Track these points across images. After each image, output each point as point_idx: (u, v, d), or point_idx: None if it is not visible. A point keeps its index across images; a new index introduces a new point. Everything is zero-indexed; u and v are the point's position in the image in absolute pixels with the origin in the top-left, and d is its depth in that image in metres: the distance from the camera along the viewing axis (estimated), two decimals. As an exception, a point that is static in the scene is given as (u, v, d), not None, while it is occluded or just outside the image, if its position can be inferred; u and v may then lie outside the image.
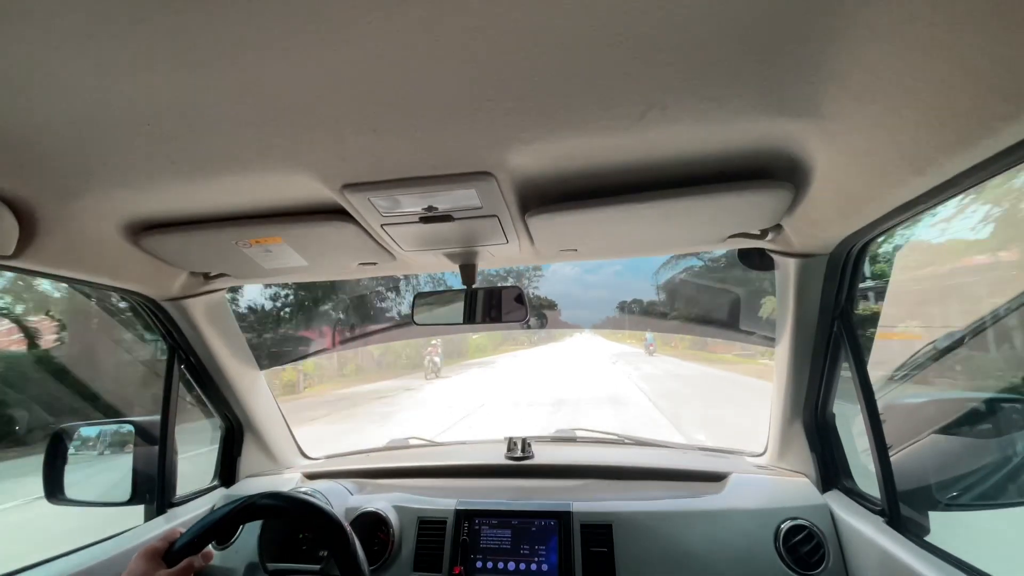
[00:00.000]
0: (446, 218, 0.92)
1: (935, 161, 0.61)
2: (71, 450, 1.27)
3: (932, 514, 0.95)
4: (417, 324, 1.24)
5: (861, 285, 1.05)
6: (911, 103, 0.55)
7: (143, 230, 0.98)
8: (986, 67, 0.46)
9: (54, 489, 1.20)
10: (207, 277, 1.25)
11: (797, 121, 0.67)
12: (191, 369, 1.42)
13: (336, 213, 0.92)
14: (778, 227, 0.99)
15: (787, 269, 1.09)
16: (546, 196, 0.89)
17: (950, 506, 0.97)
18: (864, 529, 1.01)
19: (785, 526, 1.13)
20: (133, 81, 0.55)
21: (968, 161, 0.58)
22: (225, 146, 0.70)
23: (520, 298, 1.17)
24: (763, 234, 1.03)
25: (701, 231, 1.03)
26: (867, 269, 1.04)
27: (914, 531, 0.93)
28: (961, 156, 0.58)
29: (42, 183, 0.77)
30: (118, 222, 0.95)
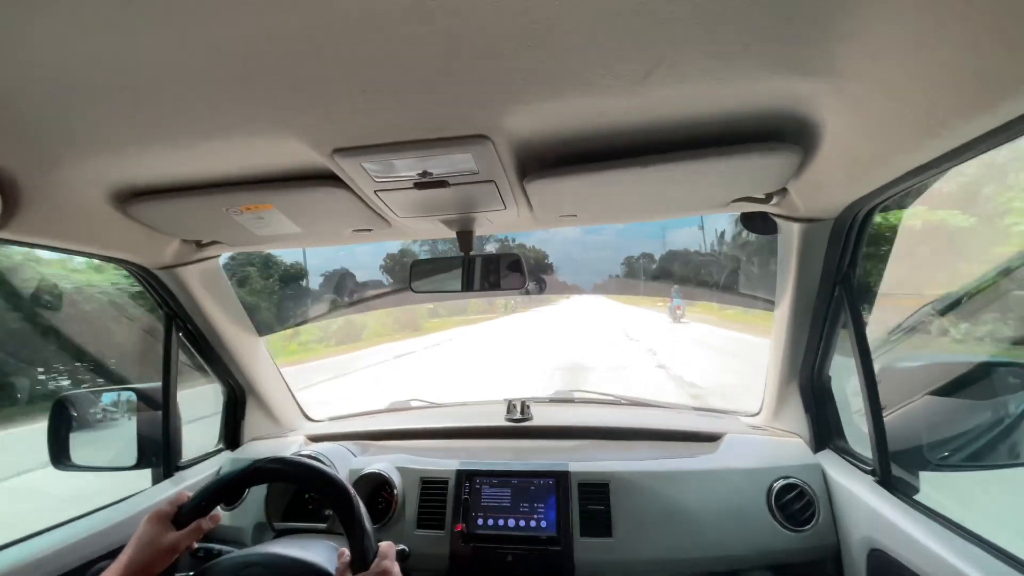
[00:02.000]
0: (441, 184, 0.89)
1: (951, 124, 0.58)
2: (75, 416, 1.28)
3: (922, 474, 0.97)
4: (415, 292, 1.23)
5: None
6: (930, 63, 0.52)
7: (131, 197, 0.95)
8: (1010, 26, 0.43)
9: (60, 455, 1.22)
10: (199, 245, 1.23)
11: (809, 79, 0.63)
12: (189, 336, 1.42)
13: (328, 179, 0.89)
14: (783, 191, 0.96)
15: (790, 233, 1.07)
16: (545, 160, 0.86)
17: (940, 466, 0.99)
18: (854, 488, 1.04)
19: (777, 485, 1.16)
20: (108, 41, 0.52)
21: (985, 125, 0.56)
22: (208, 109, 0.66)
23: (518, 264, 1.16)
24: (768, 198, 1.01)
25: (705, 195, 1.00)
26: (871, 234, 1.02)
27: (903, 490, 0.96)
28: (979, 119, 0.55)
29: (21, 151, 0.74)
30: (104, 190, 0.92)
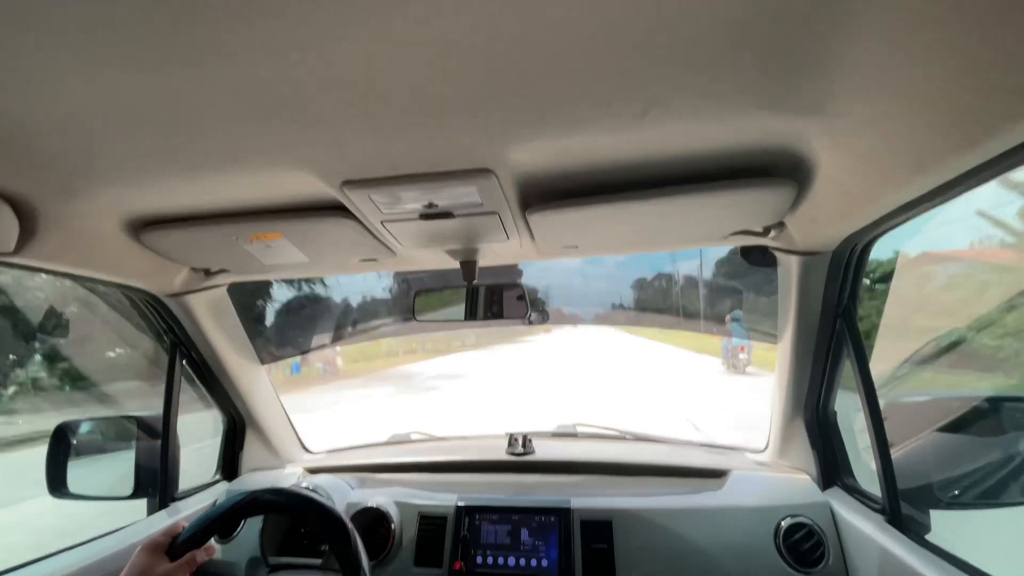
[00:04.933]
0: (446, 215, 0.91)
1: (940, 160, 0.60)
2: (74, 443, 1.27)
3: (933, 513, 0.94)
4: (418, 321, 1.24)
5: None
6: (917, 101, 0.54)
7: (144, 226, 0.98)
8: (994, 64, 0.45)
9: (57, 483, 1.20)
10: (208, 273, 1.26)
11: (801, 118, 0.66)
12: (193, 364, 1.43)
13: (336, 209, 0.92)
14: (781, 224, 0.98)
15: (789, 266, 1.08)
16: (547, 193, 0.89)
17: (951, 505, 0.97)
18: (864, 527, 1.01)
19: (785, 523, 1.13)
20: (129, 78, 0.55)
21: (974, 160, 0.58)
22: (223, 143, 0.69)
23: (521, 295, 1.17)
24: (765, 231, 1.03)
25: (703, 228, 1.02)
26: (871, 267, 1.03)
27: (915, 530, 0.93)
28: (967, 155, 0.57)
29: (41, 180, 0.77)
30: (119, 218, 0.95)
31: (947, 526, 0.93)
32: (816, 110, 0.63)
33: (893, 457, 0.96)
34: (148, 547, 0.80)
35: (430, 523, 1.28)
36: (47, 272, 0.97)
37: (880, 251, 1.01)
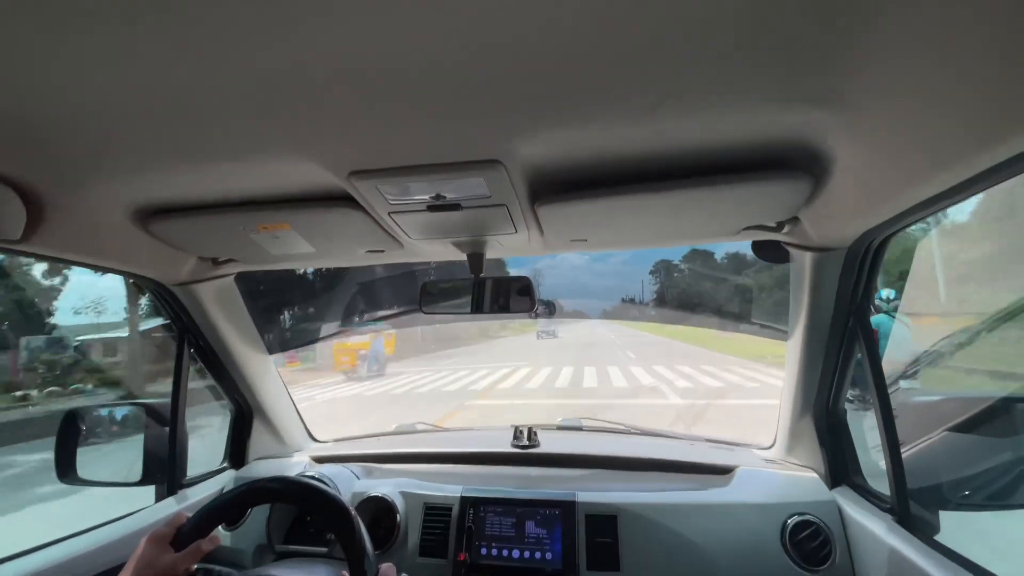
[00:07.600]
0: (454, 207, 0.90)
1: (961, 157, 0.58)
2: (83, 430, 1.29)
3: (943, 513, 0.93)
4: (425, 312, 1.24)
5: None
6: (940, 97, 0.53)
7: (151, 215, 0.97)
8: (1019, 59, 0.44)
9: (66, 468, 1.22)
10: (215, 262, 1.26)
11: (819, 112, 0.64)
12: (200, 353, 1.43)
13: (344, 200, 0.91)
14: (795, 219, 0.96)
15: (803, 262, 1.06)
16: (556, 186, 0.88)
17: (961, 505, 0.96)
18: (872, 526, 1.00)
19: (792, 521, 1.12)
20: (137, 67, 0.54)
21: (996, 158, 0.56)
22: (231, 133, 0.69)
23: (527, 288, 1.17)
24: (779, 226, 1.01)
25: (715, 222, 1.01)
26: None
27: (923, 530, 0.92)
28: (988, 152, 0.56)
29: (49, 168, 0.77)
30: (126, 207, 0.94)
31: (957, 527, 0.92)
32: (834, 103, 0.62)
33: (903, 456, 0.95)
34: (153, 538, 0.81)
35: (435, 514, 1.28)
36: (55, 260, 0.97)
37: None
